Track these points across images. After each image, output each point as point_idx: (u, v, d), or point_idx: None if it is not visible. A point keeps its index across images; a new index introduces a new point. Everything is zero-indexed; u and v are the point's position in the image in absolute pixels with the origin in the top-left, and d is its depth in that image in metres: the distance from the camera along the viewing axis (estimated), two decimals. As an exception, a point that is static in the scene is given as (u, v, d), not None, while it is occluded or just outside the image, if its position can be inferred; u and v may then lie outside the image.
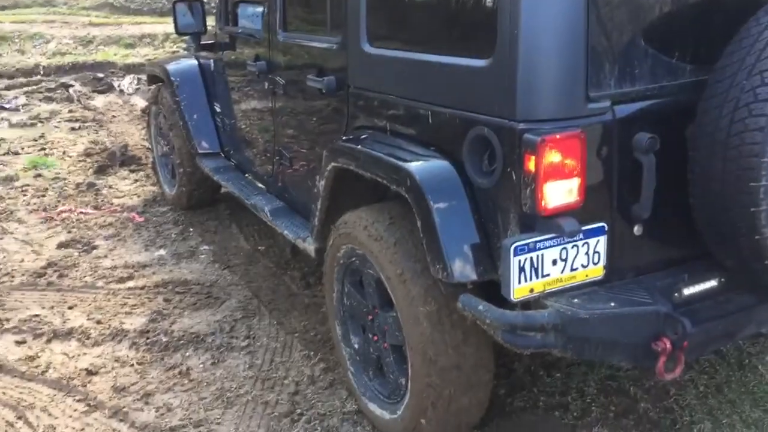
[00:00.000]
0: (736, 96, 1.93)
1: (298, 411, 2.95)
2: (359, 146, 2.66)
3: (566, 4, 2.02)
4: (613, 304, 2.08)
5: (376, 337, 2.76)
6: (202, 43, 4.68)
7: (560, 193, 2.03)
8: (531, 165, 2.01)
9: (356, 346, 2.92)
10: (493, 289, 2.21)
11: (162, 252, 4.55)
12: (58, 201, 5.39)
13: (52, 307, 3.86)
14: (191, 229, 4.88)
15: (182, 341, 3.50)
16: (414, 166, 2.34)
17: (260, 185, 4.17)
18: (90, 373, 3.26)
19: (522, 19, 2.01)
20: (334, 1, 3.00)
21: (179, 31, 4.61)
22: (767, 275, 2.03)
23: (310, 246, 3.20)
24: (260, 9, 3.72)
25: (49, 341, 3.54)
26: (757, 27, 1.98)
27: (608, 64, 2.09)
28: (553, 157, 2.00)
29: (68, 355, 3.42)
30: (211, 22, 4.69)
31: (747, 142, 1.88)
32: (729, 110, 1.93)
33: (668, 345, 2.03)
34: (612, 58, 2.09)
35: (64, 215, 5.12)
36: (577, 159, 2.02)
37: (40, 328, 3.64)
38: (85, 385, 3.17)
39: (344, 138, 2.87)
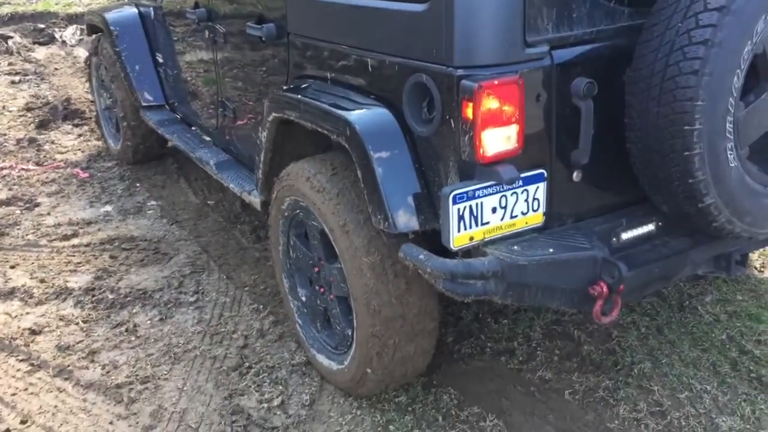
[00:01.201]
0: (671, 39, 1.91)
1: (247, 364, 2.94)
2: (300, 96, 2.60)
3: (503, -54, 1.98)
4: (551, 250, 2.09)
5: (322, 289, 2.75)
6: (140, -10, 4.50)
7: (499, 140, 2.02)
8: (469, 112, 1.98)
9: (303, 298, 2.91)
10: (436, 238, 2.21)
11: (108, 208, 4.45)
12: (-2, 158, 5.22)
13: (-7, 267, 3.77)
14: (138, 185, 4.77)
15: (129, 298, 3.45)
16: (353, 115, 2.30)
17: (206, 138, 4.08)
18: (33, 332, 3.20)
19: (458, -38, 1.96)
20: (272, -55, 2.89)
21: (115, -22, 4.42)
22: (701, 218, 2.06)
23: (255, 199, 3.16)
24: (198, -47, 3.58)
25: (-10, 302, 3.46)
26: (692, -31, 1.96)
27: (546, 8, 2.05)
28: (490, 103, 1.97)
29: (11, 315, 3.34)
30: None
31: (681, 86, 1.88)
32: (664, 54, 1.92)
33: (605, 289, 2.05)
34: (549, 1, 2.06)
35: (4, 172, 4.96)
36: (515, 105, 2.00)
37: (-19, 289, 3.55)
38: (29, 345, 3.12)
39: (285, 87, 2.80)
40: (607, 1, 2.14)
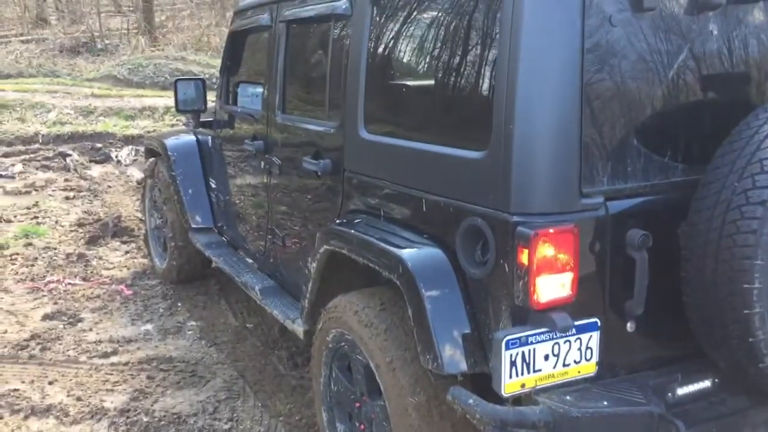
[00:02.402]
0: (728, 198, 1.94)
1: (279, 501, 2.84)
2: (352, 230, 2.66)
3: (560, 102, 2.07)
4: (605, 402, 2.04)
5: (363, 426, 2.69)
6: (201, 120, 4.74)
7: (553, 287, 2.02)
8: (524, 258, 2.01)
9: (342, 434, 2.84)
10: (483, 380, 2.18)
11: (148, 327, 4.48)
12: (47, 271, 5.34)
13: (32, 382, 3.77)
14: (179, 304, 4.82)
15: (163, 422, 3.40)
16: (406, 253, 2.34)
17: (252, 262, 4.16)
18: (66, 453, 3.16)
19: (517, 114, 2.05)
20: (332, 86, 3.06)
21: (179, 109, 4.67)
22: (761, 378, 2.00)
23: (299, 328, 3.16)
24: (260, 89, 3.80)
25: (26, 418, 3.44)
26: (747, 131, 2.01)
27: (601, 160, 2.12)
28: (546, 250, 2.00)
29: (44, 433, 3.32)
30: (211, 98, 4.77)
31: (739, 245, 1.89)
32: (721, 212, 1.95)
33: (662, 448, 1.98)
34: (605, 155, 2.12)
35: (51, 286, 5.07)
36: (570, 253, 2.02)
37: (18, 404, 3.54)
38: (60, 467, 3.07)
39: (338, 221, 2.87)
40: (661, 157, 2.20)
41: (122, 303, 4.83)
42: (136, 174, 7.97)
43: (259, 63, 3.94)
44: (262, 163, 3.69)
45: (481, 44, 2.27)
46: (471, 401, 2.07)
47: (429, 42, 2.55)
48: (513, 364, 2.02)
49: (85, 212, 6.73)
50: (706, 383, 2.22)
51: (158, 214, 5.18)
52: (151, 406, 3.55)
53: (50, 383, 3.76)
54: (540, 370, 2.06)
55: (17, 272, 5.33)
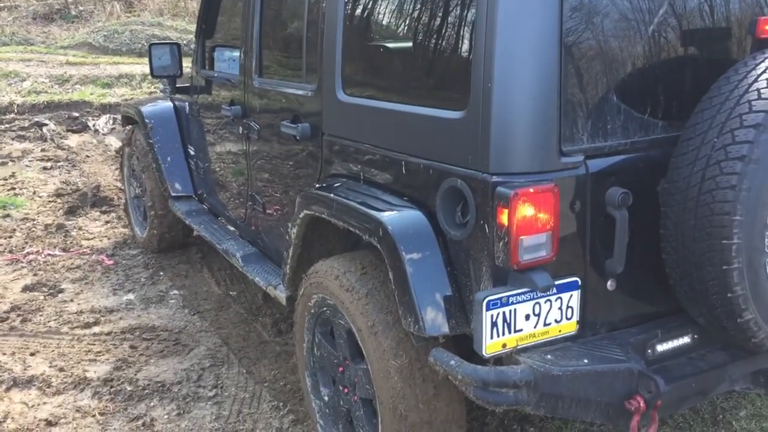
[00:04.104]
0: (708, 153, 1.94)
1: (265, 466, 2.85)
2: (332, 194, 2.63)
3: (540, 59, 2.04)
4: (586, 360, 2.05)
5: (346, 390, 2.70)
6: (177, 86, 4.66)
7: (533, 247, 2.02)
8: (504, 218, 1.99)
9: (326, 398, 2.85)
10: (465, 342, 2.18)
11: (130, 296, 4.45)
12: (26, 242, 5.27)
13: (14, 353, 3.74)
14: (161, 273, 4.79)
15: (147, 390, 3.39)
16: (386, 216, 2.32)
17: (233, 229, 4.13)
18: (49, 423, 3.14)
19: (495, 73, 2.02)
20: (309, 49, 3.01)
21: (154, 74, 4.58)
22: (740, 333, 2.01)
23: (281, 294, 3.15)
24: (237, 54, 3.73)
25: (8, 389, 3.41)
26: (727, 86, 2.00)
27: (581, 119, 2.10)
28: (526, 210, 1.98)
29: (27, 404, 3.29)
30: (187, 64, 4.67)
31: (718, 200, 1.89)
32: (700, 167, 1.94)
33: (642, 404, 2.00)
34: (585, 113, 2.10)
35: (31, 257, 5.01)
36: (550, 213, 2.01)
37: (0, 376, 3.51)
38: (44, 437, 3.06)
39: (317, 185, 2.84)
40: (641, 114, 2.18)
41: (103, 273, 4.79)
42: (115, 143, 7.86)
43: (235, 26, 3.86)
44: (241, 129, 3.64)
45: (460, 3, 2.23)
46: (452, 362, 2.07)
47: (407, 2, 2.50)
48: (494, 324, 2.02)
49: (63, 182, 6.64)
50: (686, 339, 2.24)
51: (137, 182, 5.12)
52: (135, 375, 3.54)
53: (32, 354, 3.73)
54: (521, 330, 2.06)
55: (-5, 244, 5.27)
